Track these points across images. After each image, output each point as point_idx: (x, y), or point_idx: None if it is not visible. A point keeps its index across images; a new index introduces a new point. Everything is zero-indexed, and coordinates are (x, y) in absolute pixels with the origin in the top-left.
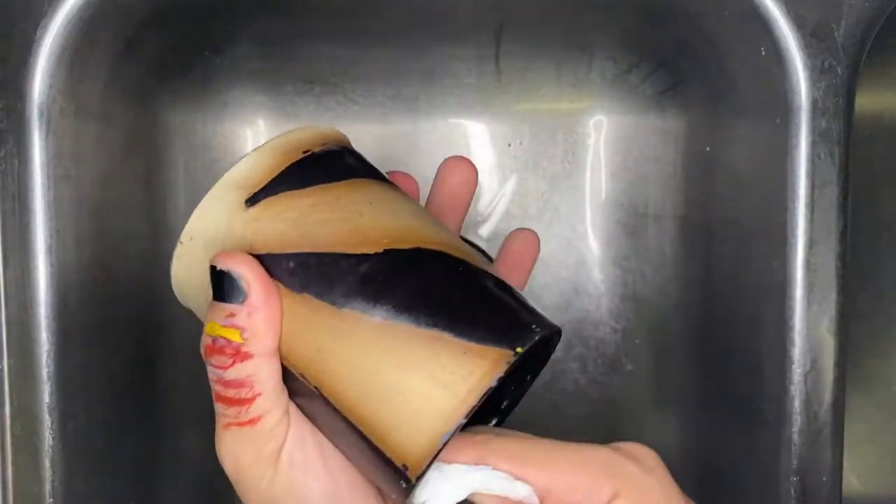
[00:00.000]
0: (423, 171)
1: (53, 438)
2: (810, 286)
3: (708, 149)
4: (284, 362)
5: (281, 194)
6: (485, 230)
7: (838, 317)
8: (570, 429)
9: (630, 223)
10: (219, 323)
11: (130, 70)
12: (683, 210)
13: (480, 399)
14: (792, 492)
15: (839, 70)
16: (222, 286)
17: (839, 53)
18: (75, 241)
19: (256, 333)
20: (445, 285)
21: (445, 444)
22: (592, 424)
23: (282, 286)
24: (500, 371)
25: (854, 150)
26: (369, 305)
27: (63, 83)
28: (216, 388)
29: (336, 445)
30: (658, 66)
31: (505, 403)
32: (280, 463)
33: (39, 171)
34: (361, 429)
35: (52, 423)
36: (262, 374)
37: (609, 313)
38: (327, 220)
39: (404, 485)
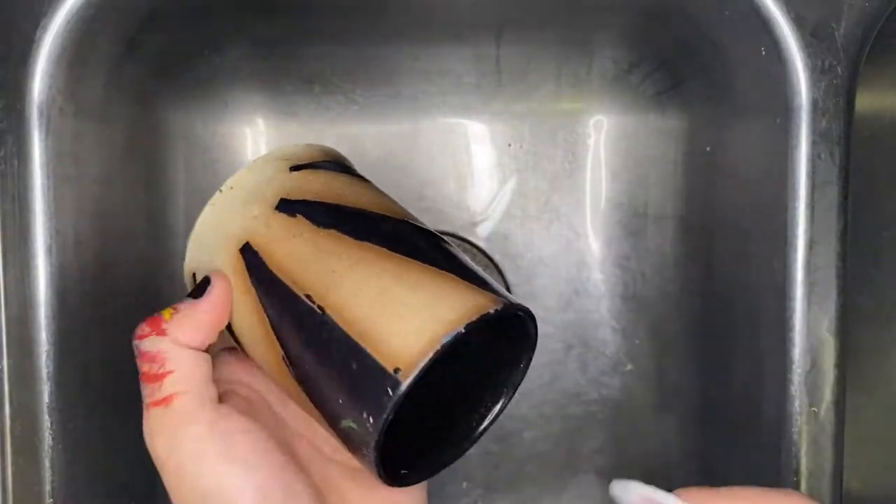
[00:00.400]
0: (423, 171)
1: (53, 438)
2: (810, 286)
3: (708, 149)
4: (294, 287)
5: (321, 170)
6: (485, 230)
7: (838, 317)
8: (570, 429)
9: (630, 223)
10: (169, 307)
11: (130, 70)
12: (683, 210)
13: (478, 321)
14: None
15: (839, 70)
16: (199, 286)
17: (839, 53)
18: (75, 241)
19: (183, 321)
20: (458, 254)
21: (444, 347)
22: (592, 424)
23: (309, 222)
24: (498, 305)
25: (854, 150)
26: (390, 245)
27: (63, 83)
28: (138, 364)
29: (309, 389)
30: (658, 66)
31: (504, 390)
32: (206, 453)
33: (39, 171)
34: (358, 340)
35: (52, 423)
36: (173, 355)
37: (609, 313)
38: (359, 192)
39: (391, 392)
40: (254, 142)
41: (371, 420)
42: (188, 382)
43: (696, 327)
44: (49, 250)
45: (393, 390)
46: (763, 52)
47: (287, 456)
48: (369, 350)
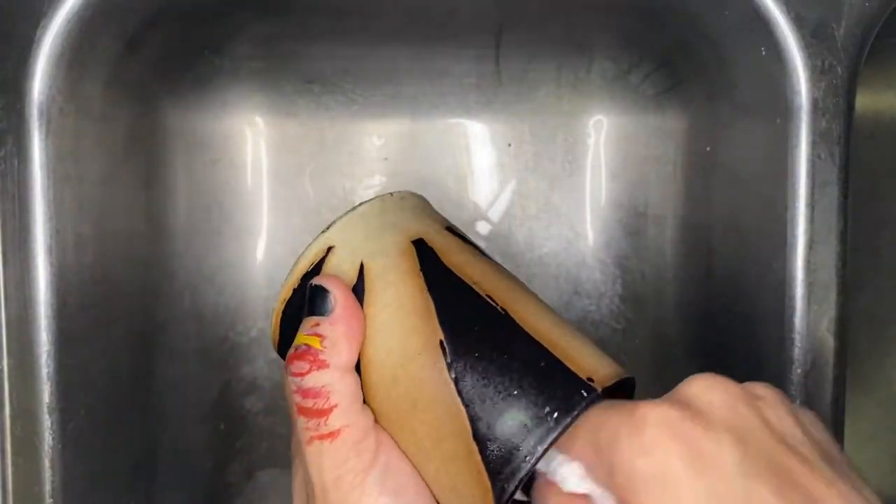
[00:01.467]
0: (423, 171)
1: (53, 438)
2: (810, 286)
3: (708, 149)
4: (474, 286)
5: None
6: (485, 230)
7: (838, 317)
8: None
9: (630, 223)
10: (304, 332)
11: (130, 70)
12: (683, 210)
13: (628, 377)
14: None
15: (839, 70)
16: (314, 300)
17: (839, 53)
18: (75, 241)
19: (336, 343)
20: None
21: (621, 379)
22: None
23: (479, 252)
24: (626, 373)
25: (854, 150)
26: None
27: (63, 83)
28: (296, 399)
29: (469, 378)
30: (658, 66)
31: None
32: (367, 485)
33: (39, 171)
34: (547, 347)
35: (52, 423)
36: (338, 386)
37: (609, 313)
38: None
39: (585, 394)
40: (254, 142)
41: (555, 415)
42: (351, 414)
43: (696, 327)
44: (49, 250)
45: (587, 392)
46: (763, 53)
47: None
48: (559, 356)
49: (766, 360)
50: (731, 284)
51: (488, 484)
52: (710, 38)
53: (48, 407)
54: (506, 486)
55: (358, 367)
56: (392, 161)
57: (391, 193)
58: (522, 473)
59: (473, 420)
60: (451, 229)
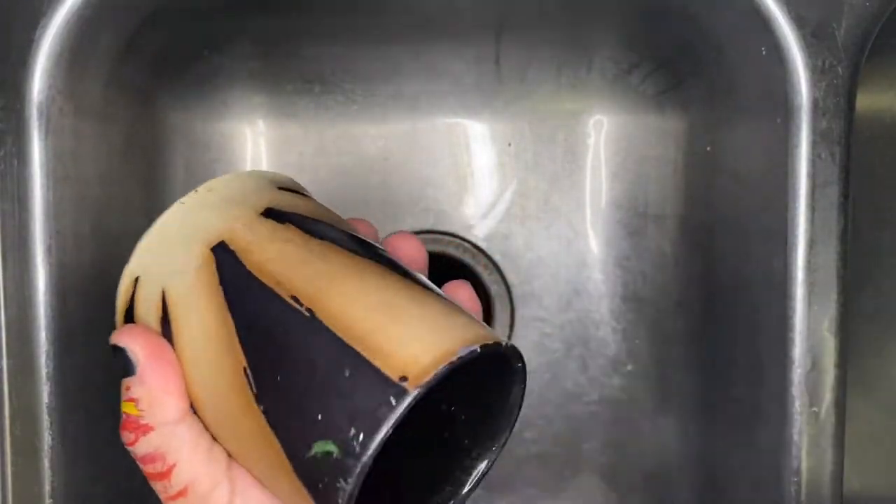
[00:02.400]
0: (423, 171)
1: (53, 438)
2: (811, 286)
3: (708, 149)
4: (276, 288)
5: (311, 199)
6: (484, 230)
7: (839, 317)
8: (570, 429)
9: (630, 223)
10: (123, 398)
11: (130, 70)
12: (684, 210)
13: (492, 346)
14: (792, 492)
15: (840, 70)
16: (120, 362)
17: (840, 53)
18: (75, 241)
19: (152, 401)
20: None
21: (460, 360)
22: (592, 424)
23: (300, 230)
24: (506, 340)
25: (855, 150)
26: (390, 266)
27: (62, 83)
28: (140, 466)
29: (274, 408)
30: (658, 66)
31: (490, 444)
32: None
33: (39, 171)
34: (355, 346)
35: (51, 423)
36: (171, 443)
37: (609, 313)
38: (352, 225)
39: (394, 401)
40: (254, 142)
41: (361, 437)
42: (194, 467)
43: (696, 327)
44: (49, 250)
45: (396, 400)
46: (763, 52)
47: None
48: (368, 356)
49: (766, 360)
50: (731, 284)
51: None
52: (711, 38)
53: (48, 407)
54: None
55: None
56: (392, 161)
57: (196, 189)
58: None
59: (289, 455)
60: (271, 210)
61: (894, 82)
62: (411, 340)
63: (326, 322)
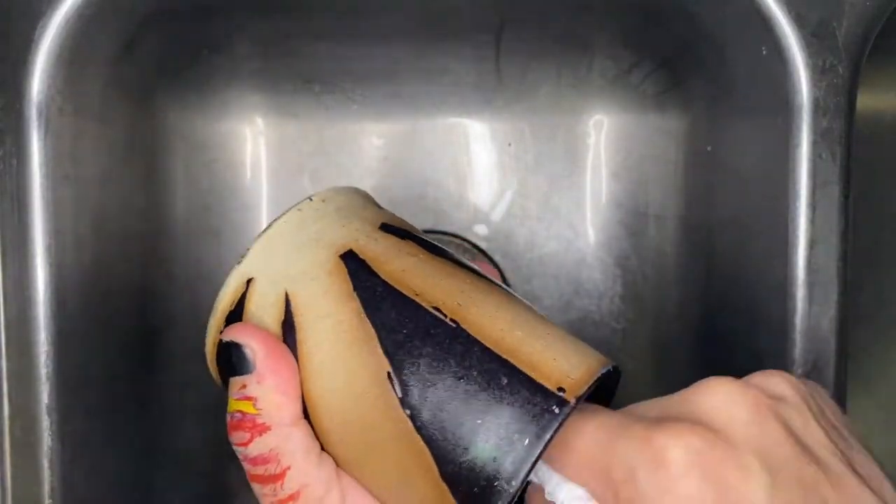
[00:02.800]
0: (423, 171)
1: (52, 439)
2: (811, 286)
3: (709, 148)
4: (417, 299)
5: (402, 219)
6: (484, 230)
7: (839, 317)
8: None
9: (630, 223)
10: (234, 397)
11: (130, 70)
12: (684, 210)
13: (615, 369)
14: None
15: (840, 69)
16: (231, 359)
17: (840, 53)
18: (75, 241)
19: (270, 402)
20: None
21: (601, 376)
22: None
23: (421, 246)
24: (609, 365)
25: (855, 149)
26: (499, 288)
27: (62, 83)
28: (246, 467)
29: (426, 412)
30: (658, 66)
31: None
32: None
33: (38, 171)
34: (508, 357)
35: (51, 423)
36: (286, 446)
37: (609, 313)
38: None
39: (557, 410)
40: (253, 142)
41: (526, 441)
42: (308, 472)
43: (696, 327)
44: (48, 250)
45: (559, 408)
46: (763, 52)
47: None
48: (523, 368)
49: (766, 361)
50: (731, 284)
51: None
52: (711, 38)
53: (47, 407)
54: None
55: (307, 411)
56: (392, 161)
57: (310, 198)
58: None
59: (438, 459)
60: (387, 225)
61: (894, 82)
62: (557, 356)
63: (474, 333)
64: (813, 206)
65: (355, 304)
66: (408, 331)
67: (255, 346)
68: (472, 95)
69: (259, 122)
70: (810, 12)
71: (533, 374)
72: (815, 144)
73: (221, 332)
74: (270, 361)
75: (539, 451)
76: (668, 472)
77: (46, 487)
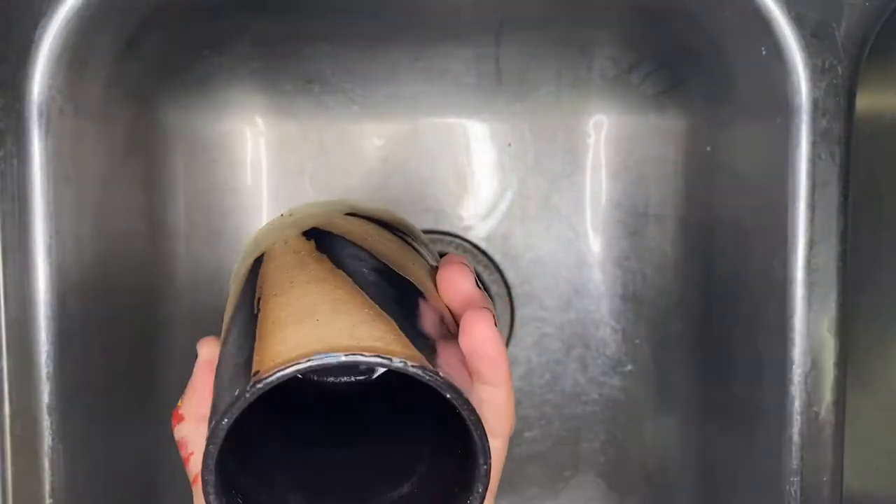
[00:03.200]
0: (423, 171)
1: (53, 438)
2: (810, 286)
3: (708, 149)
4: (255, 288)
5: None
6: (484, 230)
7: (838, 317)
8: (570, 429)
9: (630, 223)
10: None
11: (130, 70)
12: (684, 210)
13: (371, 357)
14: (792, 492)
15: (840, 70)
16: None
17: (840, 53)
18: (75, 241)
19: (190, 402)
20: (421, 313)
21: (308, 366)
22: (592, 424)
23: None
24: (416, 362)
25: (855, 149)
26: (357, 278)
27: (63, 83)
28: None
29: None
30: (658, 66)
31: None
32: None
33: (39, 171)
34: (255, 339)
35: (51, 423)
36: (192, 438)
37: (609, 313)
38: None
39: (237, 393)
40: (253, 142)
41: (212, 422)
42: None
43: (696, 327)
44: (49, 250)
45: (242, 392)
46: (763, 52)
47: None
48: (255, 346)
49: (766, 360)
50: (731, 284)
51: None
52: (711, 38)
53: (48, 407)
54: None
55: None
56: (392, 161)
57: (281, 214)
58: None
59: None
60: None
61: (894, 82)
62: (286, 339)
63: (260, 317)
64: (812, 207)
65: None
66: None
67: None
68: (472, 96)
69: (259, 122)
70: (810, 13)
71: (255, 356)
72: (814, 145)
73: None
74: (202, 364)
75: (215, 439)
76: None
77: (47, 486)
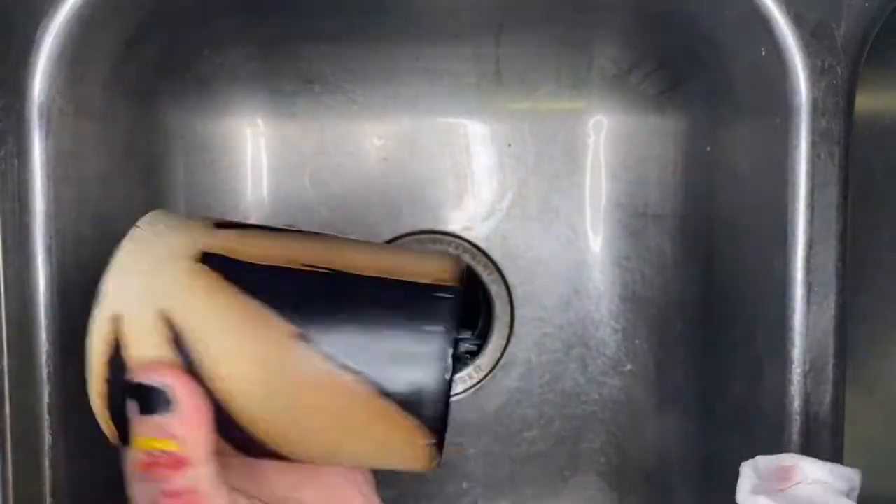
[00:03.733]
0: (423, 171)
1: (53, 437)
2: (810, 286)
3: (708, 149)
4: (290, 265)
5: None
6: (484, 230)
7: (838, 317)
8: (570, 429)
9: (630, 223)
10: (154, 437)
11: (130, 70)
12: (683, 210)
13: None
14: None
15: (839, 70)
16: (149, 399)
17: (839, 53)
18: (75, 241)
19: (193, 439)
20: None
21: (465, 271)
22: (592, 424)
23: (269, 231)
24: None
25: (854, 150)
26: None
27: (63, 83)
28: (161, 501)
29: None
30: (658, 66)
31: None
32: None
33: (39, 171)
34: (390, 276)
35: (51, 423)
36: (206, 481)
37: (609, 313)
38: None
39: (445, 295)
40: (254, 142)
41: (440, 328)
42: (218, 500)
43: (696, 327)
44: (49, 250)
45: (446, 293)
46: (763, 52)
47: None
48: (404, 278)
49: (766, 360)
50: (731, 284)
51: (414, 423)
52: (710, 38)
53: (48, 406)
54: (434, 413)
55: (224, 413)
56: (392, 161)
57: (137, 226)
58: (446, 397)
59: (372, 384)
60: (221, 224)
61: (894, 82)
62: (425, 262)
63: (352, 270)
64: (812, 207)
65: (233, 289)
66: (296, 291)
67: (174, 385)
68: (472, 96)
69: (259, 122)
70: (809, 13)
71: (414, 279)
72: (813, 145)
73: (125, 376)
74: (190, 399)
75: (451, 332)
76: None
77: (48, 486)
